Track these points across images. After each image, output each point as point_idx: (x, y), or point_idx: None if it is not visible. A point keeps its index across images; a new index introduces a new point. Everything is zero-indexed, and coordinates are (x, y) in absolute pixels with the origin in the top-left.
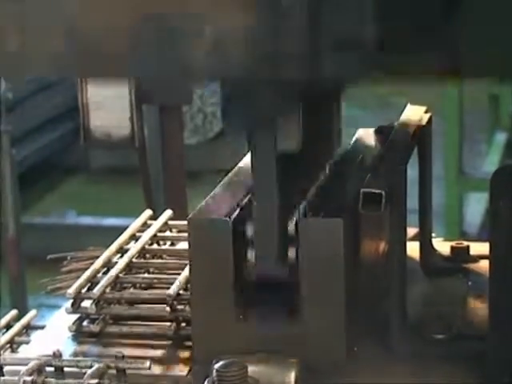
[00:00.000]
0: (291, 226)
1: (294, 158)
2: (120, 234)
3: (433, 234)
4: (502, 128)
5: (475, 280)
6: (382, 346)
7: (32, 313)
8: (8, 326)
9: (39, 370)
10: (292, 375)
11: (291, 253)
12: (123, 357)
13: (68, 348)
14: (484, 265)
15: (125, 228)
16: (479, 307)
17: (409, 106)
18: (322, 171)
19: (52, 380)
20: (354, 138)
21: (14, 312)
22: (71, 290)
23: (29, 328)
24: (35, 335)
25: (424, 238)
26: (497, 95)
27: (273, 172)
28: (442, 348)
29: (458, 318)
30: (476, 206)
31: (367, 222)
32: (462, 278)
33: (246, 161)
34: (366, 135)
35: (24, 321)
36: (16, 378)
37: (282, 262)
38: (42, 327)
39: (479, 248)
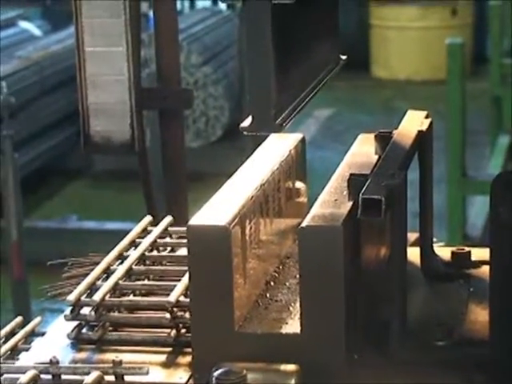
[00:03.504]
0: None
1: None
2: (123, 239)
3: (434, 239)
4: (505, 131)
5: (476, 285)
6: (382, 352)
7: (36, 320)
8: (13, 333)
9: (36, 378)
10: (292, 383)
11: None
12: (121, 362)
13: (67, 355)
14: (485, 270)
15: (128, 232)
16: (480, 313)
17: (410, 111)
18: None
19: None
20: (354, 143)
21: (18, 319)
22: (71, 297)
23: (32, 335)
24: (35, 342)
25: (425, 243)
26: (500, 97)
27: (267, 21)
28: (442, 354)
29: (458, 324)
30: (479, 209)
31: (367, 227)
32: (463, 284)
33: (247, 166)
34: (367, 140)
35: (28, 328)
36: None
37: (279, 121)
38: (43, 334)
39: (481, 253)
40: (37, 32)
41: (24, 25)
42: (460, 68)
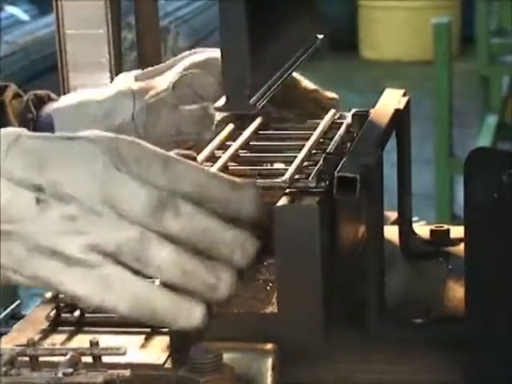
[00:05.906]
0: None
1: None
2: None
3: (414, 218)
4: (493, 110)
5: (455, 263)
6: (360, 331)
7: (15, 303)
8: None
9: (14, 360)
10: (269, 362)
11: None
12: (98, 343)
13: (46, 337)
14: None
15: None
16: (458, 290)
17: (387, 90)
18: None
19: (26, 371)
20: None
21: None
22: None
23: (12, 318)
24: (15, 326)
25: (403, 222)
26: (487, 77)
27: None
28: (420, 332)
29: (437, 302)
30: None
31: (345, 206)
32: (441, 262)
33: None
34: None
35: (8, 311)
36: None
37: (253, 100)
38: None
39: (459, 231)
40: (24, 17)
41: (11, 9)
42: (446, 48)
